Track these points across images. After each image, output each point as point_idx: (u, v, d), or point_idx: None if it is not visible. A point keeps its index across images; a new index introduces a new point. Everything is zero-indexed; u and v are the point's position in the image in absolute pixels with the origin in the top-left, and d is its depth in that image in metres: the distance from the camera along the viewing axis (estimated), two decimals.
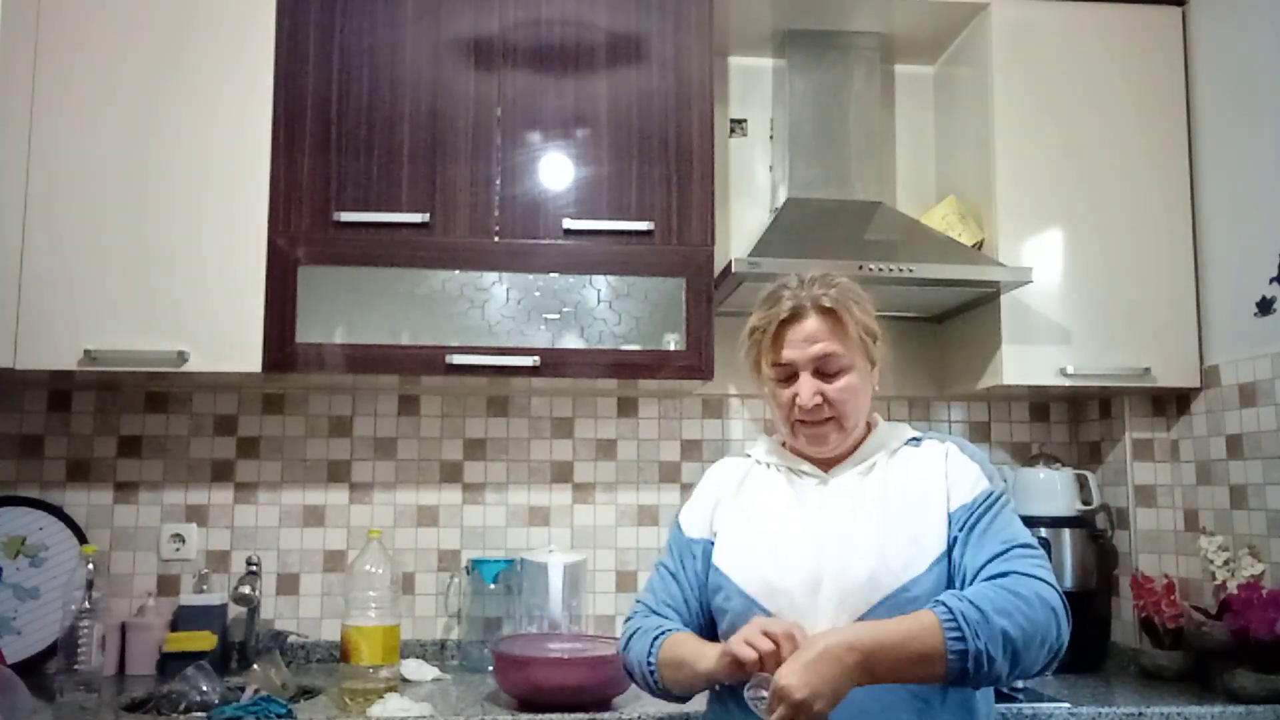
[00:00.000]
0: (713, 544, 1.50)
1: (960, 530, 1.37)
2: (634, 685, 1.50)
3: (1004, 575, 1.28)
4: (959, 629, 1.21)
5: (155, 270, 2.11)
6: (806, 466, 1.49)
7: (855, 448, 1.49)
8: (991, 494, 1.39)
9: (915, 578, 1.34)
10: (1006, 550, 1.32)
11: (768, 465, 1.54)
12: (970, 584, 1.31)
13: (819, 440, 1.45)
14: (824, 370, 1.43)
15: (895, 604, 1.32)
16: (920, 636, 1.22)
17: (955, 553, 1.36)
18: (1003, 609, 1.23)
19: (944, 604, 1.25)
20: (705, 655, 1.34)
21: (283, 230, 2.16)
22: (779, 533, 1.44)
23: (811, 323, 1.43)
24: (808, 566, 1.38)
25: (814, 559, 1.39)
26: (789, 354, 1.43)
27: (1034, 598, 1.25)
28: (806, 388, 1.42)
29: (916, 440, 1.50)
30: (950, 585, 1.35)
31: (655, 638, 1.43)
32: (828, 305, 1.43)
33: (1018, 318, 2.30)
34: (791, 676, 1.18)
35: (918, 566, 1.35)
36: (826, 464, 1.49)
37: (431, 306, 2.25)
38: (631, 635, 1.49)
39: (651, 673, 1.42)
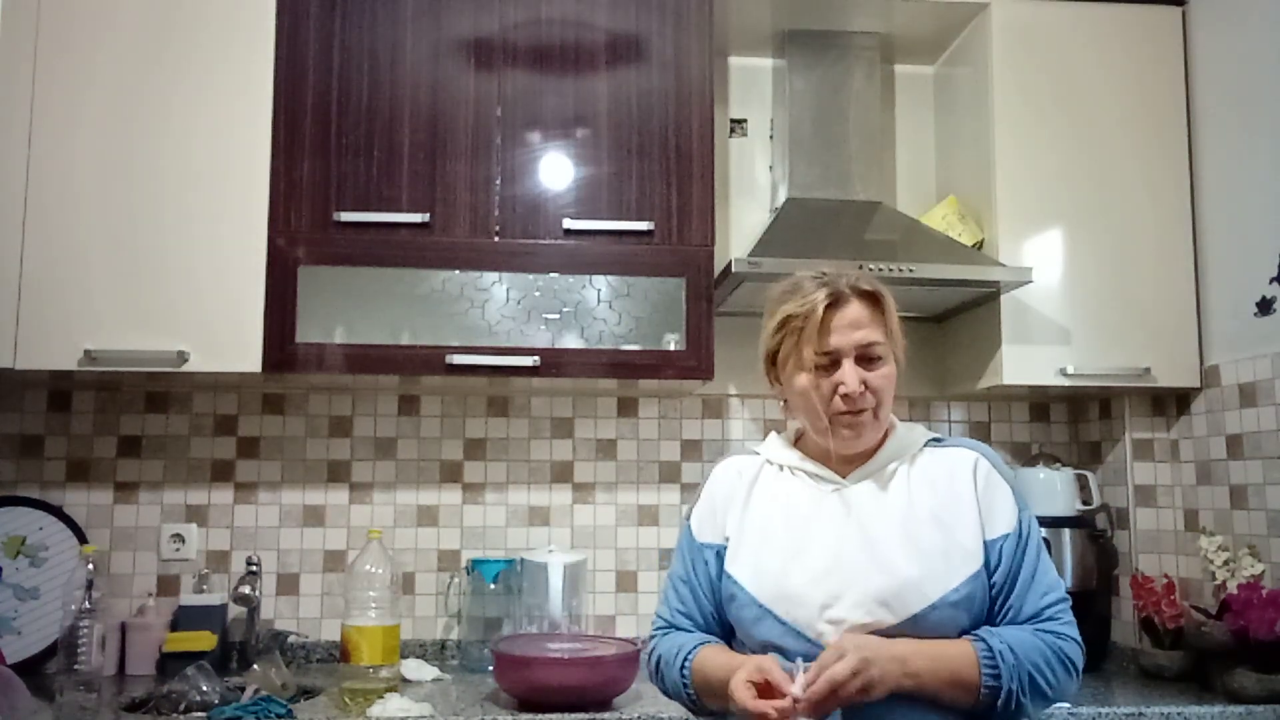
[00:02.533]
0: (725, 549, 1.44)
1: (1004, 564, 1.34)
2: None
3: (1049, 630, 1.32)
4: (996, 668, 1.26)
5: (155, 270, 2.11)
6: (824, 471, 1.42)
7: (874, 451, 1.43)
8: (1030, 525, 1.38)
9: (943, 597, 1.30)
10: (1053, 605, 1.34)
11: (780, 467, 1.47)
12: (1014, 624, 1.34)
13: (857, 432, 1.38)
14: (866, 357, 1.37)
15: (920, 622, 1.29)
16: (959, 662, 1.27)
17: (998, 587, 1.34)
18: (1036, 663, 1.28)
19: (983, 640, 1.28)
20: (731, 670, 1.30)
21: (283, 230, 2.16)
22: (796, 541, 1.38)
23: (855, 308, 1.38)
24: (826, 579, 1.33)
25: (833, 571, 1.33)
26: (835, 340, 1.36)
27: (1066, 660, 1.31)
28: (851, 374, 1.35)
29: (937, 441, 1.44)
30: (981, 612, 1.33)
31: (682, 667, 1.39)
32: (868, 289, 1.40)
33: (1018, 318, 2.30)
34: (855, 646, 1.22)
35: (944, 586, 1.30)
36: (843, 468, 1.42)
37: (431, 306, 2.25)
38: (658, 664, 1.45)
39: (697, 704, 1.39)
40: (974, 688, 1.26)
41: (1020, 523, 1.37)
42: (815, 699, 1.18)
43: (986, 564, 1.34)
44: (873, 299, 1.39)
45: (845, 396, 1.35)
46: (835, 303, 1.37)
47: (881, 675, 1.21)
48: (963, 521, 1.35)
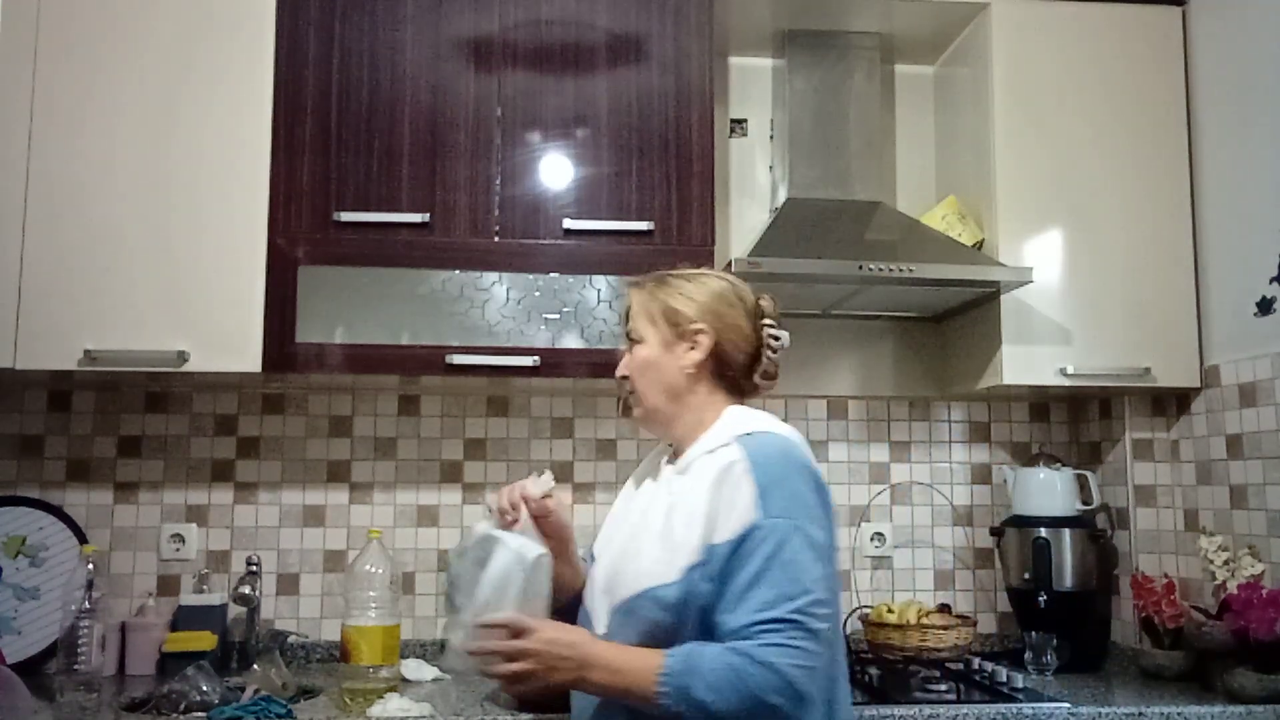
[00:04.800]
0: None
1: (720, 571, 1.29)
2: None
3: (742, 652, 1.23)
4: (667, 689, 1.24)
5: (155, 270, 2.11)
6: (662, 460, 1.53)
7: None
8: (768, 536, 1.27)
9: (649, 589, 1.32)
10: (761, 624, 1.24)
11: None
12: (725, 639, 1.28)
13: (633, 413, 1.51)
14: (631, 344, 1.51)
15: (627, 611, 1.35)
16: (638, 678, 1.27)
17: (716, 594, 1.29)
18: (712, 684, 1.22)
19: (671, 658, 1.26)
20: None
21: (283, 230, 2.16)
22: (612, 530, 1.54)
23: (635, 298, 1.52)
24: (607, 565, 1.45)
25: (609, 557, 1.45)
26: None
27: (743, 687, 1.21)
28: (622, 359, 1.53)
29: (749, 436, 1.37)
30: (697, 615, 1.30)
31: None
32: (633, 284, 1.53)
33: (1018, 318, 2.30)
34: (545, 640, 1.29)
35: (655, 580, 1.32)
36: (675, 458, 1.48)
37: (431, 306, 2.25)
38: None
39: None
40: (652, 702, 1.25)
41: (751, 531, 1.28)
42: (479, 651, 1.30)
43: (705, 566, 1.30)
44: (638, 294, 1.51)
45: (619, 380, 1.52)
46: (632, 295, 1.53)
47: (547, 671, 1.30)
48: (694, 521, 1.33)
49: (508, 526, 1.42)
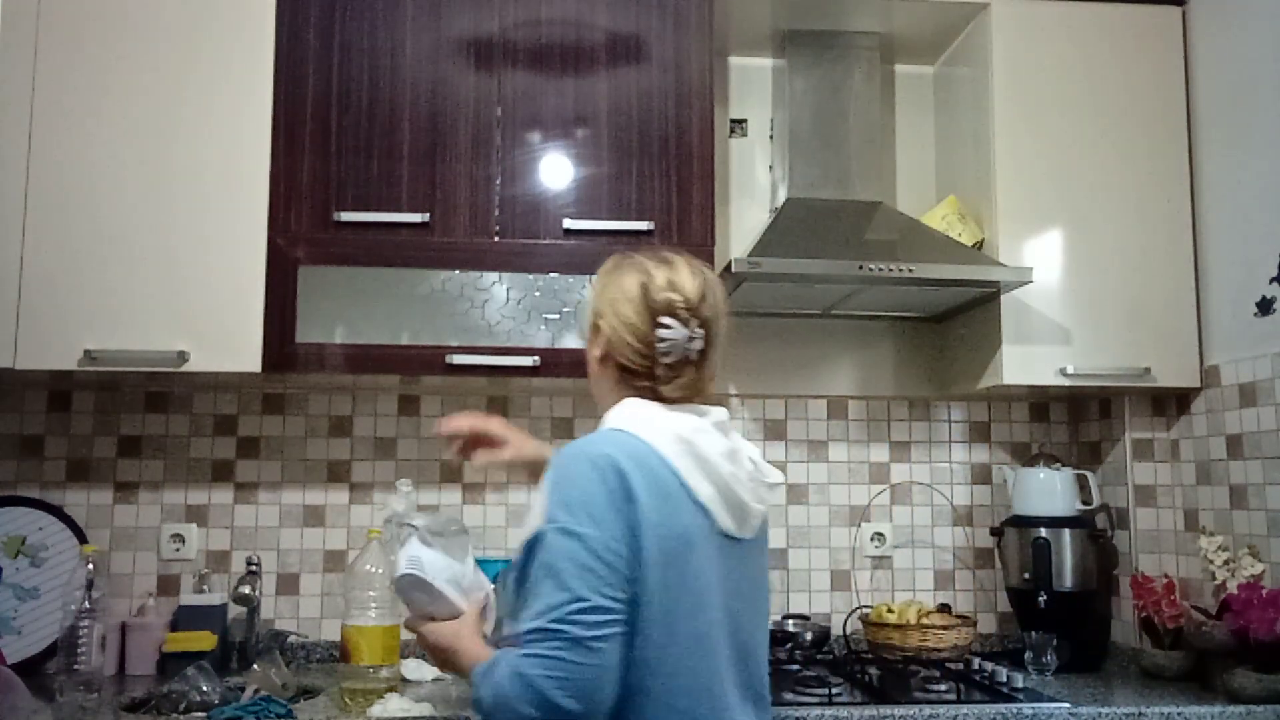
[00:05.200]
0: None
1: (522, 573, 1.29)
2: None
3: (510, 663, 1.22)
4: (475, 688, 1.27)
5: (155, 270, 2.11)
6: None
7: None
8: (540, 544, 1.25)
9: (511, 568, 1.34)
10: (524, 633, 1.22)
11: None
12: None
13: None
14: None
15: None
16: (468, 672, 1.33)
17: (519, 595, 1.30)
18: (494, 696, 1.22)
19: (482, 666, 1.28)
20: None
21: (283, 230, 2.16)
22: None
23: None
24: None
25: None
26: None
27: (511, 700, 1.20)
28: None
29: (588, 435, 1.38)
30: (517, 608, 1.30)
31: None
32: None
33: (1018, 318, 2.30)
34: (433, 632, 1.41)
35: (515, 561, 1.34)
36: None
37: (431, 306, 2.25)
38: None
39: None
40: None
41: (538, 536, 1.26)
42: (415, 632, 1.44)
43: (513, 564, 1.32)
44: None
45: None
46: None
47: (430, 654, 1.42)
48: (528, 517, 1.34)
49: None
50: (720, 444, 1.37)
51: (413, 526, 1.43)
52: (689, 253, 1.48)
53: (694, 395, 1.41)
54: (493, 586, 1.46)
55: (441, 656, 1.41)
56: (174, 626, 2.27)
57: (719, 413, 1.42)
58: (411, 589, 1.41)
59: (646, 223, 2.23)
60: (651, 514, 1.26)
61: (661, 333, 1.38)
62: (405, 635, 2.32)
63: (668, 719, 1.27)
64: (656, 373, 1.39)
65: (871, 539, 2.61)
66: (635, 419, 1.35)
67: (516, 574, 1.29)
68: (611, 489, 1.26)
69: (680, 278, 1.41)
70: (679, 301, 1.39)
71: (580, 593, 1.20)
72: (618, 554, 1.23)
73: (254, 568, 2.32)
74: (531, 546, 1.27)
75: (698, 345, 1.39)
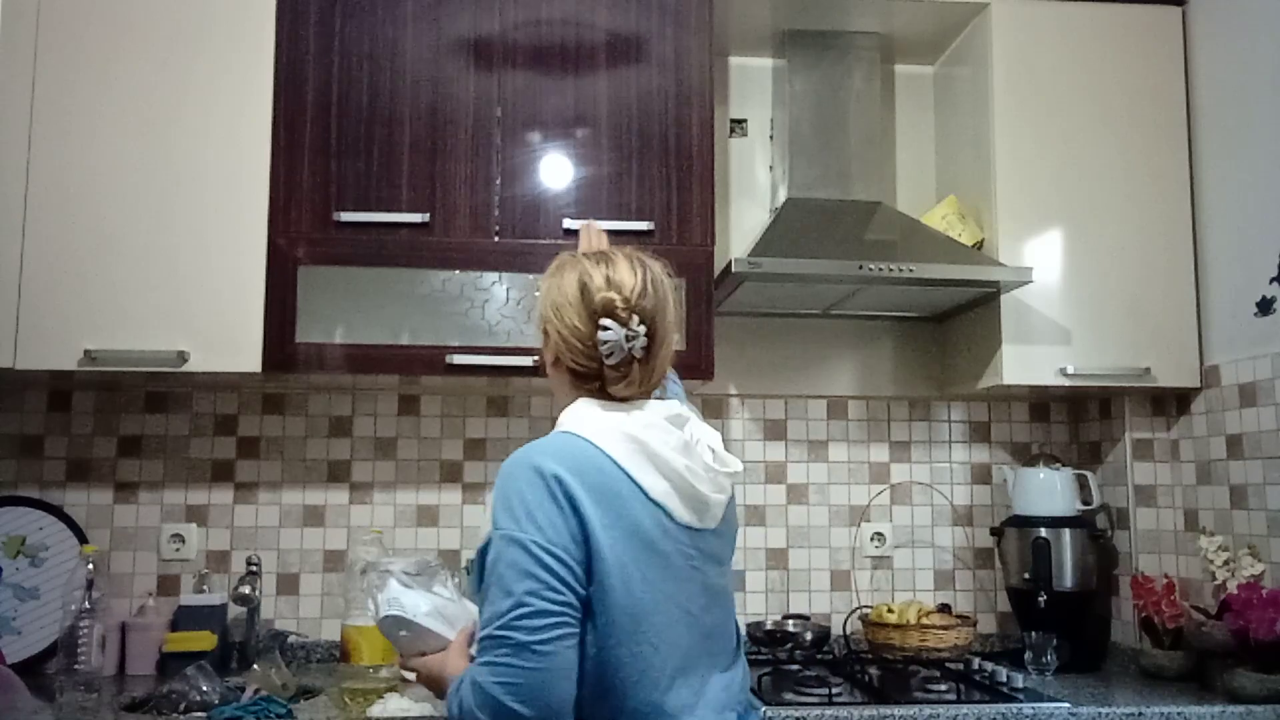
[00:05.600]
0: None
1: (477, 583, 1.32)
2: None
3: (468, 672, 1.25)
4: (448, 714, 1.29)
5: (155, 270, 2.11)
6: None
7: None
8: (489, 551, 1.27)
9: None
10: (480, 642, 1.24)
11: None
12: None
13: None
14: None
15: None
16: (445, 689, 1.34)
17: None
18: (460, 705, 1.25)
19: (455, 680, 1.29)
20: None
21: (283, 230, 2.16)
22: None
23: None
24: None
25: None
26: None
27: (470, 707, 1.23)
28: None
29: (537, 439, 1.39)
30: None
31: None
32: None
33: (1018, 317, 2.30)
34: (424, 666, 1.43)
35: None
36: None
37: (431, 306, 2.25)
38: None
39: None
40: None
41: (487, 544, 1.28)
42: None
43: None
44: None
45: None
46: None
47: (425, 686, 1.44)
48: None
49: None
50: (673, 438, 1.35)
51: (388, 571, 1.46)
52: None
53: (645, 391, 1.40)
54: (473, 619, 1.48)
55: (433, 686, 1.43)
56: (174, 626, 2.27)
57: (670, 406, 1.40)
58: (395, 628, 1.43)
59: (647, 223, 2.23)
60: (598, 516, 1.26)
61: (601, 334, 1.36)
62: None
63: (637, 714, 1.28)
64: (604, 374, 1.38)
65: (871, 539, 2.61)
66: (583, 421, 1.35)
67: (476, 583, 1.31)
68: (553, 493, 1.25)
69: (619, 274, 1.39)
70: (617, 301, 1.36)
71: (522, 598, 1.20)
72: (560, 558, 1.23)
73: (254, 568, 2.32)
74: (483, 555, 1.29)
75: (640, 344, 1.36)
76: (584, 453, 1.30)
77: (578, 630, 1.24)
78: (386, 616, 1.43)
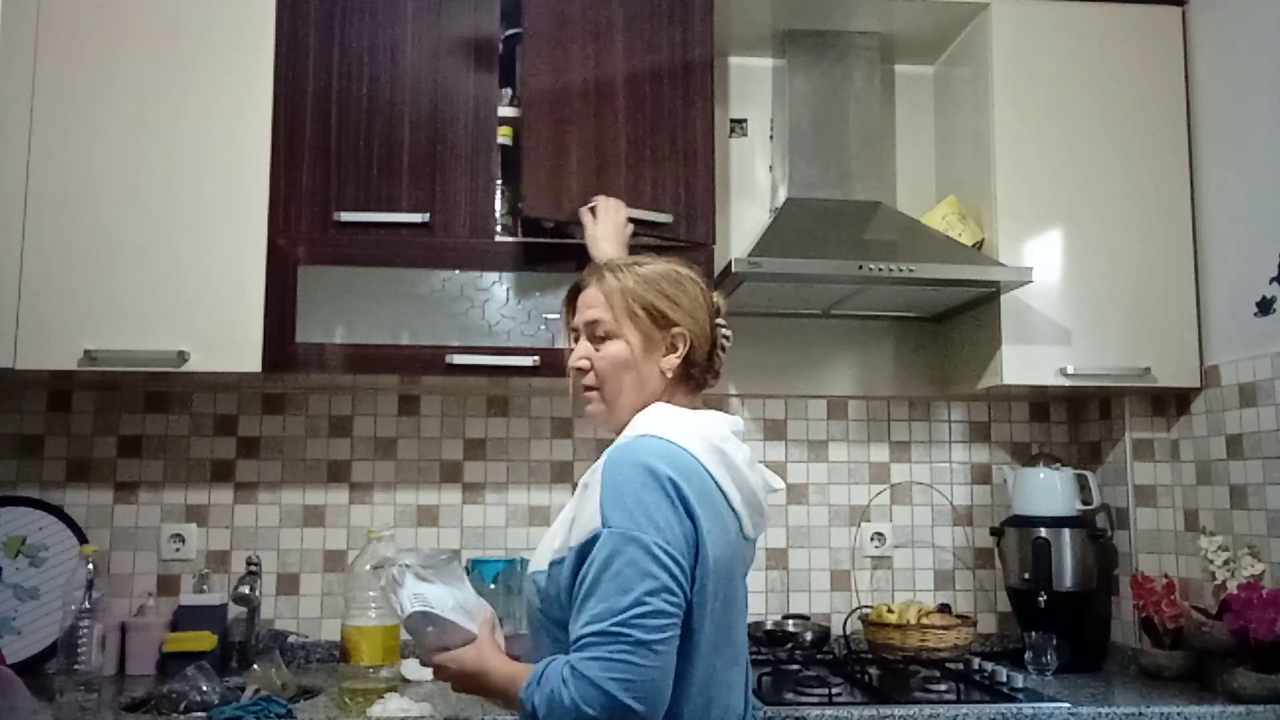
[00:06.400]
0: None
1: (571, 574, 1.29)
2: None
3: (568, 662, 1.22)
4: (524, 700, 1.26)
5: (155, 270, 2.11)
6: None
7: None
8: (604, 545, 1.25)
9: (533, 573, 1.38)
10: (586, 636, 1.22)
11: None
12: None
13: (580, 405, 1.48)
14: (593, 335, 1.46)
15: (526, 586, 1.42)
16: (515, 687, 1.29)
17: (569, 596, 1.30)
18: (550, 699, 1.22)
19: (531, 674, 1.27)
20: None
21: (283, 230, 2.16)
22: None
23: (590, 291, 1.48)
24: None
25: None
26: (575, 319, 1.51)
27: (577, 701, 1.20)
28: (576, 350, 1.49)
29: (632, 439, 1.39)
30: (562, 608, 1.31)
31: None
32: (603, 274, 1.48)
33: (1018, 318, 2.30)
34: (456, 660, 1.37)
35: (535, 565, 1.38)
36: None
37: (431, 306, 2.25)
38: None
39: None
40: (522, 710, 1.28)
41: (592, 539, 1.27)
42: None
43: (563, 564, 1.31)
44: (615, 281, 1.47)
45: (574, 370, 1.48)
46: (579, 287, 1.51)
47: (456, 682, 1.38)
48: (565, 520, 1.35)
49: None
50: (743, 453, 1.41)
51: (406, 565, 1.43)
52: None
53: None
54: (490, 610, 1.46)
55: (470, 681, 1.37)
56: (174, 626, 2.27)
57: (735, 420, 1.45)
58: (422, 625, 1.40)
59: (667, 215, 2.22)
60: (705, 524, 1.30)
61: (727, 337, 1.50)
62: (405, 636, 2.34)
63: (707, 717, 1.33)
64: (709, 377, 1.49)
65: (871, 539, 2.61)
66: (668, 425, 1.36)
67: (570, 575, 1.29)
68: (669, 495, 1.27)
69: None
70: (722, 305, 1.51)
71: (641, 597, 1.21)
72: (678, 560, 1.25)
73: (254, 568, 2.32)
74: (585, 549, 1.27)
75: (729, 342, 1.52)
76: (683, 458, 1.33)
77: (679, 635, 1.26)
78: (415, 613, 1.39)
